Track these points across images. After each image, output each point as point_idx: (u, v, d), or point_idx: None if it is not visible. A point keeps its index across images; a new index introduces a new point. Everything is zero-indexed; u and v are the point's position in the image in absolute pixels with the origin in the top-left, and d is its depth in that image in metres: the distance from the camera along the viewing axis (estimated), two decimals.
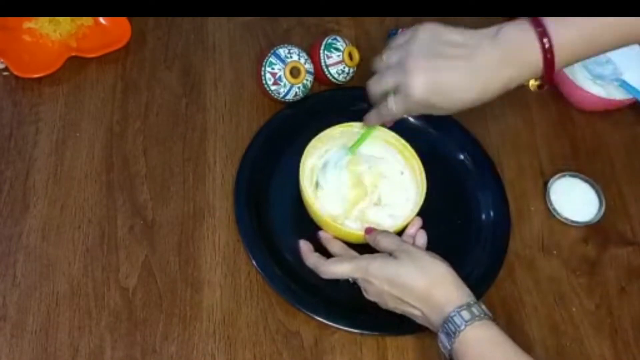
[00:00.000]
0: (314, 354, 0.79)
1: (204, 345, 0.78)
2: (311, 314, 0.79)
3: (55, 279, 0.81)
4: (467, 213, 0.90)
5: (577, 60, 0.73)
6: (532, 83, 0.73)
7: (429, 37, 0.73)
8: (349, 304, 0.81)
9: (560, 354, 0.81)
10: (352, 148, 0.86)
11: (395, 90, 0.74)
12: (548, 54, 0.69)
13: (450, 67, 0.71)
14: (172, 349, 0.77)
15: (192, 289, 0.81)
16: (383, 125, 0.84)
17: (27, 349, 0.76)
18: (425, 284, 0.72)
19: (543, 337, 0.82)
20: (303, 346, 0.79)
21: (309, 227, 0.83)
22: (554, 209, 0.90)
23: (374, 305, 0.77)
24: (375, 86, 0.78)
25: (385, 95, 0.77)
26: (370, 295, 0.76)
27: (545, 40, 0.69)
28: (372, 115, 0.82)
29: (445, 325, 0.69)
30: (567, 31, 0.70)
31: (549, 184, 0.92)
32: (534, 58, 0.70)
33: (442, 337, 0.70)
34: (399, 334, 0.80)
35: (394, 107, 0.76)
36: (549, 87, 0.72)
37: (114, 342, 0.77)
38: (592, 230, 0.90)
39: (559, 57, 0.70)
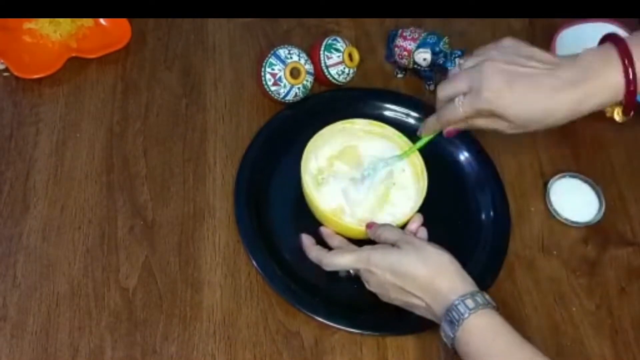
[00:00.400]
0: (314, 354, 0.79)
1: (204, 345, 0.78)
2: (311, 314, 0.79)
3: (55, 279, 0.81)
4: (467, 213, 0.90)
5: None
6: (618, 112, 0.73)
7: (512, 46, 0.75)
8: (349, 304, 0.81)
9: (560, 354, 0.81)
10: (403, 155, 0.86)
11: (466, 93, 0.75)
12: (630, 75, 0.69)
13: (527, 76, 0.72)
14: (172, 349, 0.77)
15: (192, 290, 0.81)
16: (438, 134, 0.82)
17: (27, 350, 0.76)
18: (428, 273, 0.72)
19: (543, 338, 0.82)
20: (303, 346, 0.79)
21: (309, 227, 0.83)
22: (554, 210, 0.90)
23: (373, 302, 0.78)
24: (447, 88, 0.77)
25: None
26: (372, 286, 0.76)
27: (626, 60, 0.69)
28: (431, 121, 0.81)
29: (449, 314, 0.69)
30: None
31: (549, 185, 0.92)
32: (614, 79, 0.70)
33: (445, 326, 0.70)
34: (399, 333, 0.80)
35: (460, 107, 0.75)
36: (633, 113, 0.73)
37: (114, 342, 0.77)
38: (592, 230, 0.90)
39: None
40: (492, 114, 0.74)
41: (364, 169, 0.86)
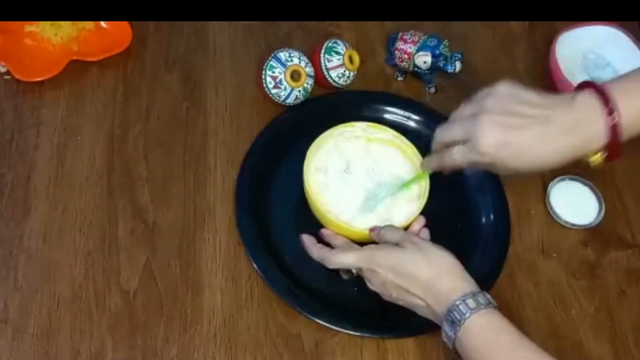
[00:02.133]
0: (314, 356, 0.79)
1: (204, 348, 0.78)
2: (312, 317, 0.79)
3: (56, 281, 0.81)
4: (468, 216, 0.90)
5: None
6: (595, 159, 0.74)
7: (507, 94, 0.74)
8: (350, 307, 0.81)
9: (559, 356, 0.80)
10: (403, 187, 0.85)
11: (464, 142, 0.74)
12: (614, 128, 0.70)
13: (524, 128, 0.71)
14: (173, 351, 0.78)
15: (192, 292, 0.82)
16: (441, 172, 0.82)
17: (28, 352, 0.76)
18: (431, 274, 0.72)
19: (543, 340, 0.82)
20: (304, 349, 0.79)
21: (310, 229, 0.83)
22: (554, 212, 0.90)
23: (374, 304, 0.78)
24: (444, 134, 0.78)
25: (448, 146, 0.77)
26: (374, 286, 0.76)
27: (613, 114, 0.70)
28: (432, 160, 0.81)
29: (450, 314, 0.69)
30: (634, 104, 0.71)
31: (549, 188, 0.92)
32: (600, 129, 0.71)
33: (446, 326, 0.70)
34: (400, 336, 0.80)
35: (458, 157, 0.75)
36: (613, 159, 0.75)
37: (115, 344, 0.77)
38: (591, 233, 0.90)
39: (626, 130, 0.71)
40: (490, 165, 0.74)
41: (367, 198, 0.85)
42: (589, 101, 0.71)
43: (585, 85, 0.73)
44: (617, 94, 0.71)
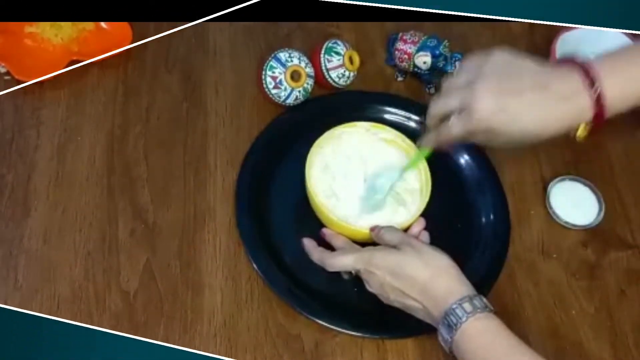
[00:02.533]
0: (314, 357, 0.79)
1: (204, 348, 0.78)
2: (312, 317, 0.79)
3: (56, 282, 0.81)
4: (468, 217, 0.90)
5: (628, 109, 0.73)
6: (580, 134, 0.73)
7: (503, 61, 0.73)
8: (350, 307, 0.81)
9: (559, 357, 0.81)
10: (405, 168, 0.85)
11: (459, 112, 0.73)
12: (599, 104, 0.70)
13: (520, 94, 0.71)
14: None
15: (193, 293, 0.82)
16: (439, 149, 0.81)
17: None
18: (427, 276, 0.72)
19: (543, 340, 0.82)
20: (304, 349, 0.79)
21: (310, 230, 0.83)
22: (554, 213, 0.91)
23: (374, 305, 0.78)
24: (438, 105, 0.76)
25: (444, 119, 0.75)
26: (372, 287, 0.76)
27: (595, 87, 0.70)
28: (429, 137, 0.80)
29: (447, 318, 0.69)
30: (617, 81, 0.71)
31: (549, 188, 0.92)
32: (587, 104, 0.70)
33: (442, 329, 0.70)
34: (400, 336, 0.80)
35: (454, 128, 0.74)
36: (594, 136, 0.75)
37: None
38: (591, 233, 0.90)
39: (609, 107, 0.70)
40: (486, 133, 0.73)
41: (366, 185, 0.85)
42: (577, 74, 0.71)
43: (565, 61, 0.73)
44: (600, 70, 0.70)
